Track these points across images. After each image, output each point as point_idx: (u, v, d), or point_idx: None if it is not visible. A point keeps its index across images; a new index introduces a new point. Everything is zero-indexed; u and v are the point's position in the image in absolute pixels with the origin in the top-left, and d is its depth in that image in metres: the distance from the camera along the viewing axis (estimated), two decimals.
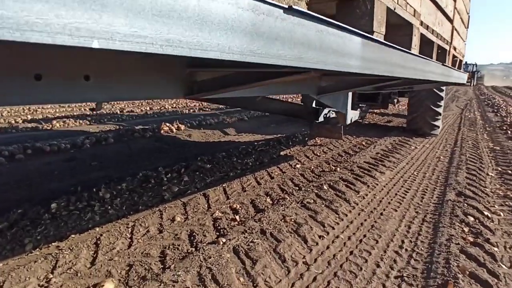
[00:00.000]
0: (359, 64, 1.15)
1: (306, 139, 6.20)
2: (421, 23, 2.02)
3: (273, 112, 5.39)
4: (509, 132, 7.37)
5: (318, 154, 5.18)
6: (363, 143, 6.04)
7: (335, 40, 0.97)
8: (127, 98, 1.31)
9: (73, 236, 2.44)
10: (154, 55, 0.59)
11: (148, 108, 10.47)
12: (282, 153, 5.18)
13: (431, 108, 6.42)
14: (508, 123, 8.55)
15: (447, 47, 2.63)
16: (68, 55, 1.09)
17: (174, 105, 11.68)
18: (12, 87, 0.97)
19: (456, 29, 3.18)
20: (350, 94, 3.39)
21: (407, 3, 1.68)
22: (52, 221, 2.64)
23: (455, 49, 3.02)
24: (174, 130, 6.56)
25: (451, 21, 2.89)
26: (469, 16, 3.86)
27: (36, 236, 2.42)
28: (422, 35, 2.32)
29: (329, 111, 5.38)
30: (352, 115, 5.75)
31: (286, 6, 0.75)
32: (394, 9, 1.48)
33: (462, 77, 3.79)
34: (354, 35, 1.08)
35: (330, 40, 0.94)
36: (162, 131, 6.41)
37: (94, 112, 8.74)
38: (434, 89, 6.21)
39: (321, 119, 5.22)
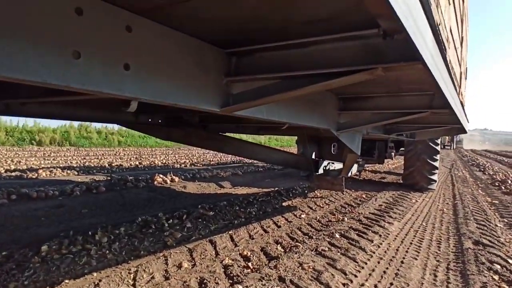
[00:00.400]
0: (430, 61, 1.08)
1: (306, 191, 6.05)
2: (448, 55, 2.04)
3: (275, 163, 5.30)
4: (502, 187, 7.43)
5: (321, 205, 5.00)
6: (363, 196, 5.92)
7: (422, 21, 0.91)
8: (166, 100, 1.19)
9: (66, 281, 2.13)
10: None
11: (137, 163, 10.24)
12: (284, 203, 4.99)
13: (428, 162, 6.45)
14: (499, 180, 8.66)
15: (458, 89, 2.68)
16: (109, 36, 0.98)
17: (164, 160, 11.49)
18: (50, 62, 0.84)
19: (462, 75, 3.29)
20: (361, 137, 3.35)
21: (445, 25, 1.71)
22: (42, 265, 2.33)
23: (461, 94, 3.10)
24: (168, 182, 6.32)
25: (460, 65, 2.97)
26: (467, 68, 4.04)
27: (23, 280, 2.10)
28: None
29: (328, 163, 5.33)
30: (352, 167, 5.71)
31: None
32: (439, 24, 1.48)
33: (467, 124, 3.85)
34: (429, 28, 1.03)
35: (420, 18, 0.87)
36: (155, 182, 6.16)
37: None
38: (430, 143, 6.29)
39: (320, 171, 5.13)
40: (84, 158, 10.96)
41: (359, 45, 1.21)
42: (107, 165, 9.12)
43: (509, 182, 8.09)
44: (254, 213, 4.27)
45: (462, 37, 3.08)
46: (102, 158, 11.46)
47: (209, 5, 1.06)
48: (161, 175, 6.62)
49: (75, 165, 8.66)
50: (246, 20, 1.17)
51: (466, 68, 3.81)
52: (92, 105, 2.83)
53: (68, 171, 7.28)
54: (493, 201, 5.99)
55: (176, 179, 6.61)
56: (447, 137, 26.93)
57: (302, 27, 1.18)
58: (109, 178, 6.19)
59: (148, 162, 10.57)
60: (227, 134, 4.82)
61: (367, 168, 10.54)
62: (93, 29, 0.95)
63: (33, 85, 0.88)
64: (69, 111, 2.73)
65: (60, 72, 0.88)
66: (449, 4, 1.91)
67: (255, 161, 8.95)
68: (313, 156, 5.09)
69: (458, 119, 2.70)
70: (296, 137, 6.89)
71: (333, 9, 1.01)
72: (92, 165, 8.93)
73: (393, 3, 0.68)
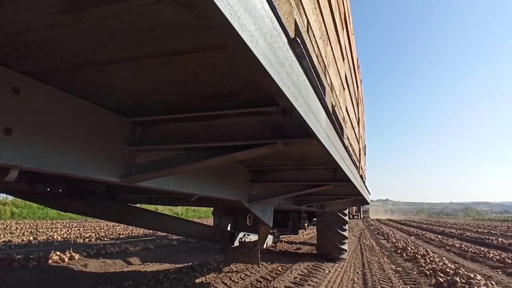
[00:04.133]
0: (324, 137, 1.16)
1: (221, 265, 5.78)
2: (346, 133, 2.26)
3: (188, 235, 5.04)
4: (404, 255, 8.03)
5: (236, 280, 4.79)
6: (279, 268, 5.85)
7: (313, 102, 0.98)
8: (55, 169, 1.07)
9: None
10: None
11: (31, 238, 8.94)
12: (197, 280, 4.66)
13: (338, 232, 6.73)
14: (401, 247, 9.37)
15: (357, 164, 2.96)
16: None
17: (65, 234, 10.24)
18: None
19: (361, 151, 3.65)
20: (273, 209, 3.39)
21: (340, 106, 1.89)
22: None
23: (362, 168, 3.41)
24: (66, 260, 5.55)
25: (358, 142, 3.30)
26: (365, 145, 4.52)
27: None
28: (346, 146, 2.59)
29: (244, 235, 5.25)
30: (268, 239, 5.69)
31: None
32: (334, 106, 1.64)
33: (369, 195, 4.18)
34: (322, 108, 1.12)
35: (311, 99, 0.94)
36: (50, 261, 5.36)
37: None
38: (339, 213, 6.64)
39: (236, 243, 5.02)
40: None
41: (261, 120, 1.26)
42: None
43: (409, 249, 8.78)
44: None
45: (358, 118, 3.49)
46: None
47: (108, 74, 1.03)
48: (58, 252, 5.81)
49: None
50: (148, 91, 1.16)
51: (365, 145, 4.28)
52: None
53: None
54: (397, 268, 6.38)
55: (76, 256, 5.86)
56: (354, 207, 29.04)
57: (205, 101, 1.21)
58: None
59: (45, 237, 9.30)
60: (139, 205, 4.54)
61: (283, 239, 10.63)
62: None
63: None
64: None
65: None
66: (344, 89, 2.17)
67: (169, 234, 8.46)
68: (229, 228, 4.98)
69: (359, 191, 2.92)
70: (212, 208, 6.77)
71: (233, 85, 1.05)
72: None
73: (282, 85, 0.72)
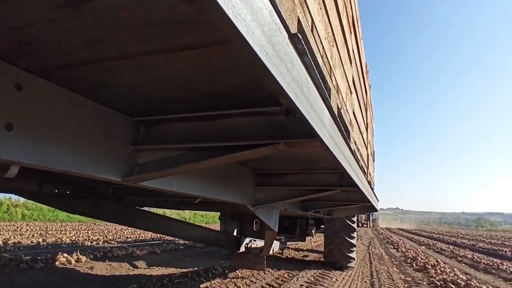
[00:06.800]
0: (328, 138, 1.14)
1: (227, 271, 5.74)
2: (353, 137, 2.23)
3: (194, 240, 5.04)
4: (414, 265, 7.87)
5: (241, 286, 4.75)
6: (285, 275, 5.79)
7: (316, 101, 0.96)
8: (56, 166, 1.07)
9: None
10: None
11: (40, 240, 9.04)
12: (202, 285, 4.63)
13: (346, 240, 6.64)
14: (410, 257, 9.20)
15: (365, 169, 2.92)
16: None
17: (74, 237, 10.32)
18: None
19: (369, 156, 3.61)
20: (278, 213, 3.36)
21: (347, 109, 1.87)
22: None
23: (370, 174, 3.37)
24: (73, 262, 5.58)
25: (366, 147, 3.27)
26: (374, 151, 4.46)
27: None
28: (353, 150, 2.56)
29: (250, 241, 5.21)
30: (274, 245, 5.64)
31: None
32: (340, 108, 1.62)
33: (377, 202, 4.13)
34: (326, 109, 1.10)
35: (314, 97, 0.93)
36: (57, 263, 5.40)
37: None
38: (347, 221, 6.55)
39: (242, 248, 4.99)
40: None
41: (264, 120, 1.25)
42: (1, 243, 7.88)
43: (419, 259, 8.61)
44: None
45: (367, 123, 3.46)
46: None
47: (110, 71, 1.03)
48: (65, 254, 5.85)
49: None
50: (151, 90, 1.16)
51: (373, 150, 4.22)
52: None
53: None
54: (406, 278, 6.25)
55: (83, 258, 5.88)
56: (364, 215, 28.70)
57: (209, 100, 1.20)
58: None
59: (54, 239, 9.39)
60: (147, 208, 4.55)
61: (290, 246, 10.55)
62: None
63: None
64: None
65: None
66: (351, 92, 2.15)
67: (176, 238, 8.47)
68: (235, 233, 4.95)
69: (367, 197, 2.88)
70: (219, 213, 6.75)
71: (236, 84, 1.04)
72: None
73: (280, 80, 0.71)
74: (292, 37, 0.77)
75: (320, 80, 0.97)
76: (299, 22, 0.99)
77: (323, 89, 1.03)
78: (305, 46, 0.79)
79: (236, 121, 1.29)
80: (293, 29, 0.94)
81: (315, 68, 0.89)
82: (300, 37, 0.77)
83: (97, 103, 1.27)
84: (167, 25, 0.77)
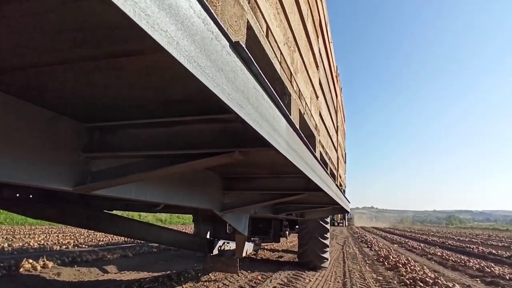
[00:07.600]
0: (284, 147, 1.11)
1: (199, 274, 5.67)
2: (320, 141, 2.23)
3: (166, 244, 4.93)
4: (386, 263, 8.03)
5: None
6: (259, 277, 5.77)
7: (268, 109, 0.93)
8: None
9: None
10: None
11: (6, 245, 8.65)
12: None
13: (320, 240, 6.70)
14: (383, 256, 9.39)
15: (335, 172, 2.92)
16: None
17: (43, 241, 9.95)
18: None
19: (339, 159, 3.63)
20: (248, 217, 3.33)
21: (312, 114, 1.86)
22: None
23: (340, 177, 3.38)
24: (39, 268, 5.36)
25: (336, 150, 3.28)
26: (345, 153, 4.51)
27: None
28: (320, 154, 2.56)
29: (223, 243, 5.17)
30: (247, 247, 5.61)
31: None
32: (303, 113, 1.60)
33: (348, 204, 4.16)
34: (282, 116, 1.07)
35: (265, 106, 0.90)
36: (21, 269, 5.17)
37: None
38: (320, 221, 6.61)
39: (215, 251, 4.94)
40: None
41: (220, 128, 1.21)
42: None
43: (391, 257, 8.80)
44: None
45: (337, 126, 3.48)
46: None
47: (51, 76, 0.96)
48: (30, 260, 5.61)
49: None
50: (100, 95, 1.10)
51: (345, 153, 4.26)
52: None
53: None
54: (378, 277, 6.37)
55: (50, 264, 5.66)
56: (339, 215, 29.14)
57: (161, 107, 1.15)
58: None
59: (20, 244, 9.01)
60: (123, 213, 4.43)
61: (266, 247, 10.56)
62: None
63: None
64: None
65: None
66: (317, 96, 2.14)
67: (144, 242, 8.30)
68: (208, 236, 4.90)
69: (335, 200, 2.88)
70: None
71: (185, 91, 0.99)
72: None
73: (218, 91, 0.67)
74: (234, 46, 0.73)
75: (271, 88, 0.94)
76: (249, 28, 0.96)
77: (275, 97, 1.00)
78: (249, 54, 0.76)
79: (192, 128, 1.25)
80: (241, 36, 0.91)
81: (263, 76, 0.86)
82: (243, 45, 0.74)
83: (43, 109, 1.20)
84: (101, 30, 0.72)
